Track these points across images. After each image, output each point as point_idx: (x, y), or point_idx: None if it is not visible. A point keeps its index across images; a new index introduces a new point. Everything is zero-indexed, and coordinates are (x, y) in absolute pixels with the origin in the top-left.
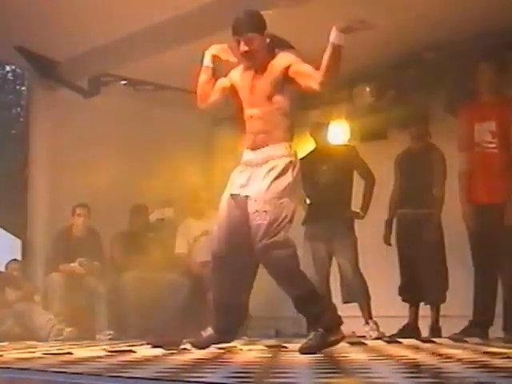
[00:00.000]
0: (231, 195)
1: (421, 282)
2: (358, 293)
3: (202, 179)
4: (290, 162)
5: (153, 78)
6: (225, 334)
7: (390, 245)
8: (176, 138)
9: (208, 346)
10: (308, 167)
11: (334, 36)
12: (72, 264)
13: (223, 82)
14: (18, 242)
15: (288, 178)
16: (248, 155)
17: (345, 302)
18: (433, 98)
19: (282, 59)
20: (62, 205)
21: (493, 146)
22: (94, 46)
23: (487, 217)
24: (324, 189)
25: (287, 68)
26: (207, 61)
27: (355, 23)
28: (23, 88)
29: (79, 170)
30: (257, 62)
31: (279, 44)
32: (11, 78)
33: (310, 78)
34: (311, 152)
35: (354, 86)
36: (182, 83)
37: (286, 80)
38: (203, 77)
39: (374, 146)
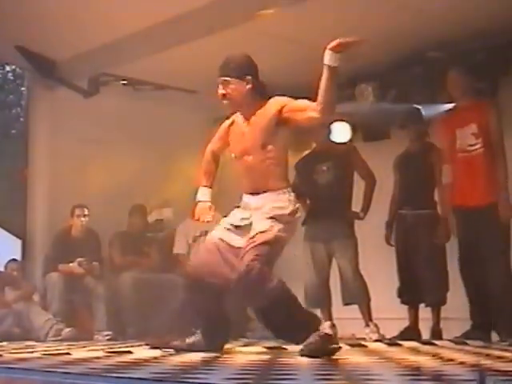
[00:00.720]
0: (234, 226)
1: (420, 283)
2: (359, 294)
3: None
4: (292, 211)
5: (152, 77)
6: (210, 341)
7: (391, 245)
8: (176, 137)
9: (192, 351)
10: (308, 166)
11: (328, 58)
12: (71, 264)
13: (219, 139)
14: (18, 241)
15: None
16: (248, 199)
17: (345, 304)
18: (436, 97)
19: (274, 103)
20: (61, 205)
21: (478, 146)
22: (94, 46)
23: (476, 220)
24: (324, 189)
25: (280, 110)
26: None
27: (347, 42)
28: (23, 88)
29: (79, 170)
30: (237, 107)
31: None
32: (11, 77)
33: (309, 109)
34: (311, 151)
35: (356, 85)
36: (182, 83)
37: (280, 123)
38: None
39: (377, 145)
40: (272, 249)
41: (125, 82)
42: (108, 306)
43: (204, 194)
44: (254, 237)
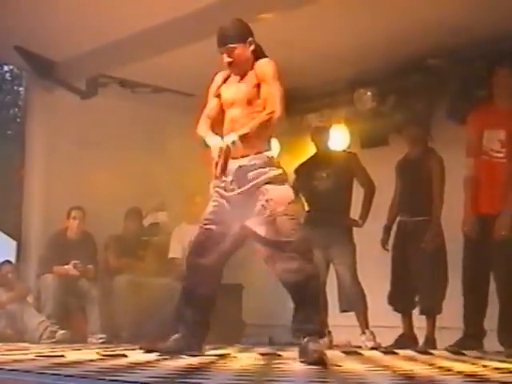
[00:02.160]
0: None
1: (415, 291)
2: (356, 302)
3: (197, 183)
4: (280, 174)
5: (150, 80)
6: (191, 336)
7: (386, 250)
8: (173, 140)
9: (174, 353)
10: (308, 172)
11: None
12: (66, 266)
13: (214, 96)
14: (13, 243)
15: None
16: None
17: (342, 311)
18: (436, 104)
19: (259, 69)
20: (57, 207)
21: (501, 155)
22: (93, 48)
23: (488, 228)
24: (323, 195)
25: (260, 81)
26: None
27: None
28: (21, 88)
29: (75, 172)
30: (243, 70)
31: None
32: (9, 78)
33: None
34: (312, 157)
35: (355, 90)
36: (180, 85)
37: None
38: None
39: (375, 152)
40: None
41: (123, 84)
42: (102, 309)
43: (215, 138)
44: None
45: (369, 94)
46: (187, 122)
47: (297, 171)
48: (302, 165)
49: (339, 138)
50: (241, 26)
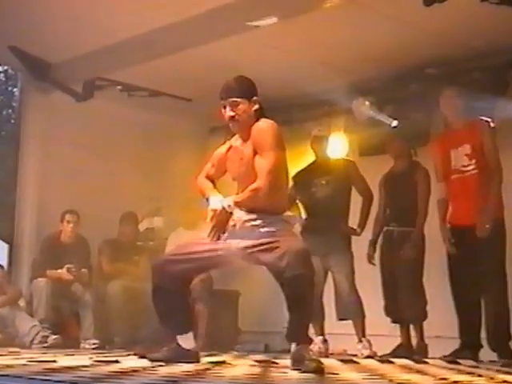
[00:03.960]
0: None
1: (403, 301)
2: (354, 310)
3: (193, 188)
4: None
5: (147, 83)
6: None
7: (373, 264)
8: (169, 145)
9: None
10: (306, 179)
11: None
12: (59, 270)
13: (214, 165)
14: (4, 246)
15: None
16: (240, 213)
17: (340, 319)
18: (434, 113)
19: (257, 135)
20: (51, 210)
21: (471, 167)
22: (91, 50)
23: (469, 239)
24: (321, 202)
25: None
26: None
27: None
28: (15, 89)
29: (70, 175)
30: (244, 128)
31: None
32: (3, 79)
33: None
34: (310, 164)
35: (354, 99)
36: (177, 90)
37: None
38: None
39: (373, 160)
40: None
41: (120, 87)
42: (96, 314)
43: (215, 197)
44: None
45: (367, 103)
46: (183, 127)
47: (295, 178)
48: (300, 172)
49: (338, 146)
50: (247, 83)
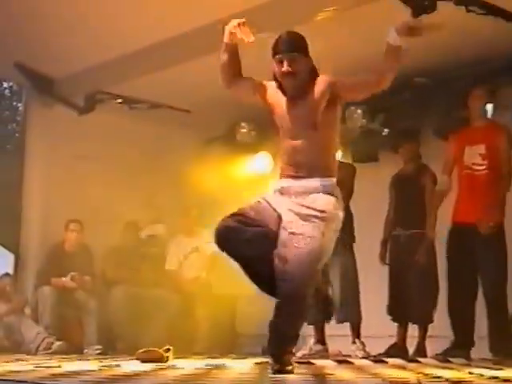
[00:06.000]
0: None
1: (410, 302)
2: (353, 313)
3: (193, 197)
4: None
5: (147, 96)
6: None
7: (386, 264)
8: (169, 155)
9: None
10: None
11: (390, 36)
12: (63, 278)
13: (258, 84)
14: (11, 255)
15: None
16: (287, 183)
17: (339, 322)
18: (423, 121)
19: (323, 80)
20: (55, 219)
21: (483, 167)
22: (91, 65)
23: (471, 238)
24: None
25: (333, 85)
26: (226, 37)
27: (414, 27)
28: (19, 104)
29: (73, 186)
30: (297, 86)
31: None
32: (8, 94)
33: (368, 78)
34: None
35: (346, 108)
36: (176, 102)
37: (332, 101)
38: (224, 56)
39: (366, 167)
40: None
41: (120, 100)
42: (99, 320)
43: None
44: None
45: (359, 111)
46: (182, 137)
47: None
48: None
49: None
50: (304, 39)
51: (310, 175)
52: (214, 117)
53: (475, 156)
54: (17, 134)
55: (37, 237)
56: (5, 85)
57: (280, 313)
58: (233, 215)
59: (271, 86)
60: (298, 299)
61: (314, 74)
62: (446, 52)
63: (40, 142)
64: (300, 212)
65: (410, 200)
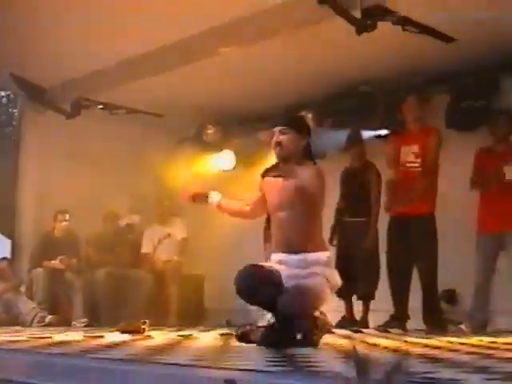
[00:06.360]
0: None
1: (355, 281)
2: None
3: (165, 190)
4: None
5: (126, 102)
6: None
7: (333, 245)
8: (144, 154)
9: None
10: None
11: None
12: (53, 261)
13: (260, 190)
14: (8, 241)
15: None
16: (282, 257)
17: None
18: (366, 125)
19: (313, 168)
20: (46, 210)
21: (416, 165)
22: (76, 76)
23: (407, 226)
24: None
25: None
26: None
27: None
28: (15, 110)
29: (62, 181)
30: (282, 156)
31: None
32: (5, 101)
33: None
34: (274, 165)
35: (298, 113)
36: (151, 108)
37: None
38: (226, 212)
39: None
40: None
41: (102, 106)
42: (85, 297)
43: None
44: None
45: (309, 115)
46: (156, 139)
47: (264, 176)
48: (268, 170)
49: None
50: (303, 120)
51: (303, 248)
52: (183, 120)
53: (409, 155)
54: (13, 137)
55: (30, 225)
56: (2, 93)
57: None
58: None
59: (265, 181)
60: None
61: (306, 157)
62: (386, 65)
63: (33, 143)
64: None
65: (357, 192)
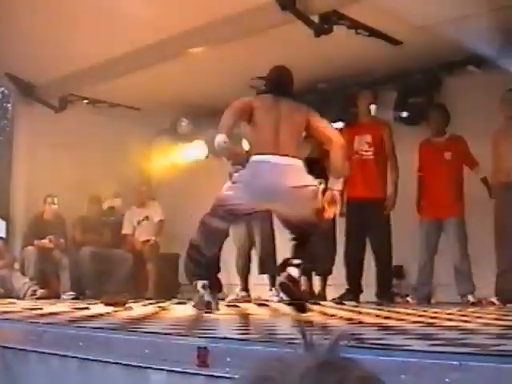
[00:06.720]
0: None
1: (312, 258)
2: (270, 265)
3: (143, 176)
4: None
5: (107, 97)
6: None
7: None
8: (125, 144)
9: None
10: None
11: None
12: (43, 240)
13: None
14: (3, 222)
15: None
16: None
17: (261, 273)
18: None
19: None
20: (36, 194)
21: (369, 153)
22: (63, 74)
23: (364, 207)
24: None
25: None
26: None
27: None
28: (9, 105)
29: (51, 168)
30: None
31: None
32: (0, 97)
33: None
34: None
35: None
36: (131, 102)
37: None
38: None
39: None
40: None
41: (87, 101)
42: (71, 273)
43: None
44: None
45: None
46: (135, 130)
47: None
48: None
49: None
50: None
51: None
52: (160, 114)
53: (363, 144)
54: (7, 128)
55: (23, 208)
56: None
57: None
58: None
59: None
60: None
61: None
62: (342, 64)
63: (25, 134)
64: None
65: (318, 178)
